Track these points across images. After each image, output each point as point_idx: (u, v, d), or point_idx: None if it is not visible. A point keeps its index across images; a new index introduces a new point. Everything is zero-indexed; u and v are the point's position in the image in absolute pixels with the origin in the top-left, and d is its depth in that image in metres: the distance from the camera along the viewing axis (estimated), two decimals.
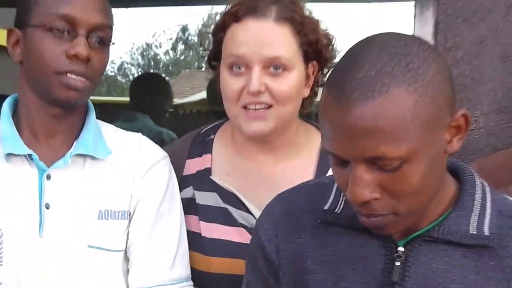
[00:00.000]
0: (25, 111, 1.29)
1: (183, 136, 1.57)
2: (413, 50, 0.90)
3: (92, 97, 1.32)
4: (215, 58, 1.44)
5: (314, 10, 1.42)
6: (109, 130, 1.36)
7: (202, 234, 1.41)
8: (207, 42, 1.51)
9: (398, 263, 1.00)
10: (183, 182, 1.44)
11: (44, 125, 1.28)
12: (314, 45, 1.38)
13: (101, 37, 1.24)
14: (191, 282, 1.35)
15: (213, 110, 3.04)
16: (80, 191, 1.26)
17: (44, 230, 1.23)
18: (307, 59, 1.38)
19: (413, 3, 2.12)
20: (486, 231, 0.99)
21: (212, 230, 1.41)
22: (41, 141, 1.28)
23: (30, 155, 1.24)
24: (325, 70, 1.46)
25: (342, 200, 1.06)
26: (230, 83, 1.35)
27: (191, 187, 1.45)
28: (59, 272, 1.23)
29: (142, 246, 1.29)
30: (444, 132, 0.93)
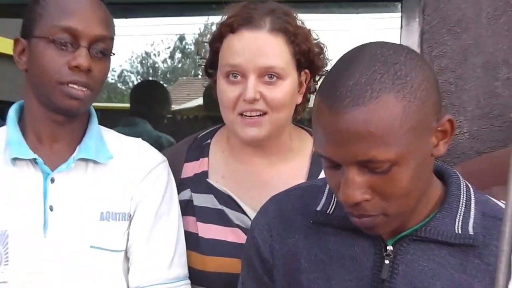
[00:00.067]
0: (30, 117, 1.29)
1: (181, 141, 1.57)
2: (401, 58, 0.91)
3: (93, 103, 1.32)
4: (212, 66, 1.44)
5: (306, 20, 1.43)
6: (110, 135, 1.36)
7: (199, 235, 1.41)
8: (203, 51, 1.51)
9: (387, 262, 1.00)
10: (181, 184, 1.44)
11: (48, 131, 1.28)
12: (306, 54, 1.38)
13: (102, 48, 1.24)
14: (188, 281, 1.35)
15: (209, 116, 3.04)
16: (83, 193, 1.26)
17: (48, 231, 1.23)
18: (299, 67, 1.39)
19: (399, 14, 2.13)
20: (470, 230, 0.99)
21: (208, 231, 1.41)
22: (45, 146, 1.28)
23: (35, 159, 1.24)
24: (317, 78, 1.46)
25: (333, 202, 1.07)
26: (227, 91, 1.35)
27: (189, 189, 1.45)
28: (62, 271, 1.23)
29: (142, 247, 1.29)
30: (431, 137, 0.94)
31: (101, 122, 1.36)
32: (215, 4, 2.10)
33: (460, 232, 0.99)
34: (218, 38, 1.38)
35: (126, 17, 2.67)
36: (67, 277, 1.23)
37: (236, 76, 1.34)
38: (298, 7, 1.48)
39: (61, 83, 1.20)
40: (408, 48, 0.96)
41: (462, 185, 1.04)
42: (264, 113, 1.34)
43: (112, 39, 1.27)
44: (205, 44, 1.48)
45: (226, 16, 1.38)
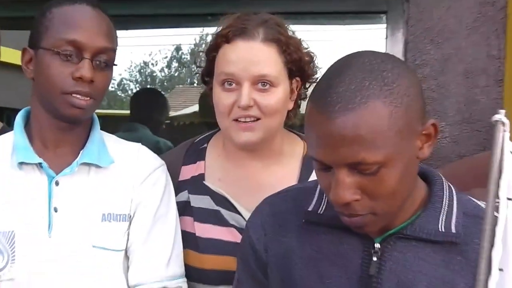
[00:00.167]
0: (36, 123, 1.28)
1: (178, 145, 1.57)
2: (388, 66, 0.91)
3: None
4: (208, 74, 1.44)
5: (295, 31, 1.43)
6: (111, 140, 1.36)
7: (197, 234, 1.40)
8: (199, 60, 1.52)
9: (375, 258, 1.00)
10: (179, 186, 1.44)
11: (53, 136, 1.28)
12: (297, 63, 1.38)
13: (105, 60, 1.23)
14: (185, 279, 1.34)
15: (205, 122, 3.04)
16: (85, 196, 1.26)
17: (52, 231, 1.23)
18: (291, 75, 1.39)
19: (385, 25, 2.14)
20: (453, 229, 0.99)
21: (205, 230, 1.41)
22: (50, 150, 1.28)
23: (40, 163, 1.24)
24: (307, 85, 1.46)
25: (324, 202, 1.07)
26: (222, 98, 1.35)
27: (186, 191, 1.44)
28: (66, 270, 1.22)
29: (141, 246, 1.29)
30: (416, 140, 0.94)
31: (101, 128, 1.36)
32: (210, 16, 2.11)
33: (443, 230, 0.99)
34: (214, 48, 1.38)
35: (127, 29, 2.67)
36: (70, 275, 1.23)
37: (231, 84, 1.34)
38: (289, 19, 1.48)
39: (65, 93, 1.20)
40: (394, 56, 0.97)
41: (445, 186, 1.04)
42: (258, 119, 1.34)
43: (115, 50, 1.27)
44: (201, 53, 1.49)
45: (221, 27, 1.38)
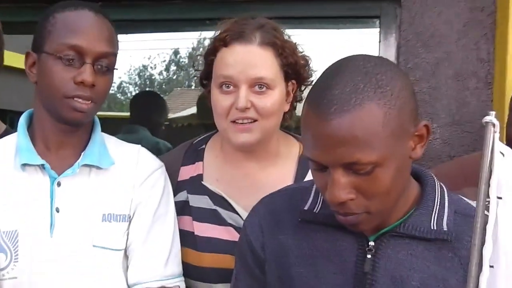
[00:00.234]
0: (39, 125, 1.28)
1: (177, 146, 1.57)
2: (381, 69, 0.92)
3: None
4: (206, 77, 1.44)
5: (291, 35, 1.43)
6: (111, 142, 1.36)
7: (195, 233, 1.40)
8: (197, 63, 1.52)
9: (369, 256, 1.00)
10: (178, 186, 1.44)
11: (55, 138, 1.27)
12: (293, 66, 1.38)
13: (106, 64, 1.23)
14: (182, 278, 1.34)
15: (203, 124, 3.04)
16: (86, 196, 1.26)
17: (54, 231, 1.23)
18: (287, 78, 1.39)
19: (378, 30, 2.14)
20: (445, 227, 1.00)
21: (204, 229, 1.40)
22: (52, 152, 1.27)
23: (42, 165, 1.24)
24: (303, 88, 1.46)
25: (320, 201, 1.07)
26: (220, 100, 1.35)
27: (185, 191, 1.44)
28: (67, 269, 1.22)
29: (140, 246, 1.29)
30: (409, 140, 0.94)
31: (102, 129, 1.35)
32: (208, 20, 2.11)
33: (435, 228, 1.00)
34: (212, 51, 1.38)
35: (126, 33, 2.67)
36: (71, 273, 1.22)
37: (228, 86, 1.34)
38: (285, 23, 1.48)
39: (67, 97, 1.20)
40: (388, 60, 0.98)
41: (436, 186, 1.04)
42: (255, 121, 1.34)
43: (116, 54, 1.27)
44: (199, 57, 1.49)
45: (219, 31, 1.38)
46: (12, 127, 1.56)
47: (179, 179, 1.46)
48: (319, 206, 1.06)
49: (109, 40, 1.24)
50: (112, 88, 1.32)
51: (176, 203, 1.40)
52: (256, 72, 1.32)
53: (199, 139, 1.53)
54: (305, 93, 1.46)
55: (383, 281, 0.99)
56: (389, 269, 0.99)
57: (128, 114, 3.35)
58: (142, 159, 1.35)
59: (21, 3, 2.36)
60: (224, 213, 1.40)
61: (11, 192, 1.24)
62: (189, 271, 1.37)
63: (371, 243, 1.01)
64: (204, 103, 1.47)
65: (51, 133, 1.27)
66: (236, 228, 1.37)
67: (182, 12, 2.36)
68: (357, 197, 0.93)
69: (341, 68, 0.93)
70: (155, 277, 1.28)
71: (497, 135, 0.80)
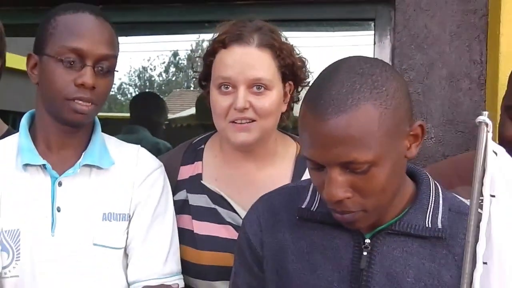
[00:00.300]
0: (40, 125, 1.28)
1: (177, 146, 1.57)
2: (377, 70, 0.92)
3: None
4: (205, 79, 1.44)
5: (288, 37, 1.43)
6: (111, 142, 1.35)
7: (194, 231, 1.40)
8: (196, 65, 1.51)
9: (365, 253, 1.00)
10: (178, 186, 1.44)
11: (57, 139, 1.27)
12: (290, 67, 1.38)
13: (107, 66, 1.23)
14: (181, 276, 1.34)
15: (201, 124, 3.04)
16: (87, 196, 1.26)
17: (55, 230, 1.23)
18: (284, 79, 1.39)
19: (373, 32, 2.15)
20: (439, 224, 1.00)
21: (203, 228, 1.40)
22: (53, 152, 1.27)
23: (44, 165, 1.23)
24: (299, 89, 1.46)
25: (317, 200, 1.07)
26: (219, 101, 1.35)
27: (185, 190, 1.44)
28: (68, 266, 1.22)
29: (139, 245, 1.29)
30: (404, 140, 0.95)
31: (102, 130, 1.35)
32: (207, 23, 2.11)
33: (429, 225, 1.00)
34: (211, 53, 1.38)
35: (127, 35, 2.67)
36: (72, 271, 1.22)
37: (227, 87, 1.34)
38: (282, 25, 1.48)
39: (68, 99, 1.20)
40: (383, 61, 0.98)
41: (431, 184, 1.05)
42: (253, 121, 1.34)
43: (116, 57, 1.26)
44: (198, 59, 1.48)
45: (218, 33, 1.38)
46: (14, 128, 1.56)
47: (179, 178, 1.45)
48: (317, 204, 1.07)
49: (109, 43, 1.23)
50: (112, 89, 1.32)
51: (175, 202, 1.40)
52: (254, 73, 1.32)
53: (198, 139, 1.53)
54: (301, 94, 1.46)
55: (379, 277, 0.99)
56: (384, 266, 0.99)
57: (128, 115, 3.35)
58: (142, 159, 1.34)
59: (22, 6, 2.36)
60: (223, 211, 1.40)
61: (12, 192, 1.23)
62: (189, 269, 1.37)
63: (367, 241, 1.01)
64: (203, 104, 1.47)
65: (52, 133, 1.27)
66: (235, 227, 1.37)
67: (181, 15, 2.36)
68: (354, 195, 0.93)
69: (337, 69, 0.93)
70: (154, 275, 1.28)
71: (490, 135, 0.80)
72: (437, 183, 1.06)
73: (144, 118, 3.09)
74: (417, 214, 1.01)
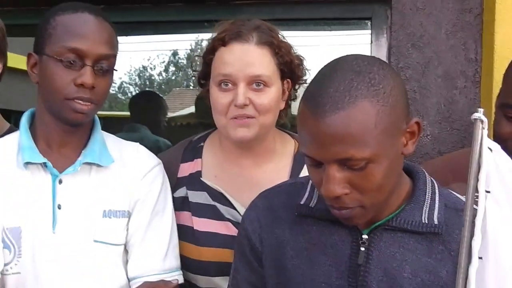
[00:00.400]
0: (40, 124, 1.28)
1: (177, 144, 1.57)
2: (374, 68, 0.92)
3: None
4: (204, 77, 1.43)
5: (286, 36, 1.43)
6: (111, 141, 1.35)
7: (194, 228, 1.40)
8: (195, 64, 1.51)
9: (362, 249, 1.00)
10: (178, 183, 1.44)
11: (57, 137, 1.27)
12: (288, 65, 1.38)
13: (106, 66, 1.22)
14: (180, 272, 1.34)
15: (200, 122, 3.04)
16: (87, 193, 1.26)
17: (56, 227, 1.23)
18: (283, 77, 1.39)
19: (369, 31, 2.15)
20: (435, 220, 1.00)
21: (202, 224, 1.40)
22: (54, 150, 1.27)
23: (44, 163, 1.23)
24: (297, 86, 1.46)
25: (315, 196, 1.07)
26: (219, 98, 1.35)
27: (185, 187, 1.44)
28: (69, 264, 1.22)
29: (139, 241, 1.29)
30: (401, 137, 0.95)
31: (103, 128, 1.35)
32: (207, 22, 2.10)
33: (426, 221, 1.00)
34: (211, 51, 1.38)
35: (127, 35, 2.66)
36: (73, 268, 1.22)
37: (227, 84, 1.34)
38: (279, 25, 1.48)
39: (68, 98, 1.20)
40: (380, 59, 0.98)
41: (427, 181, 1.05)
42: (253, 117, 1.34)
43: (115, 56, 1.26)
44: (197, 58, 1.48)
45: (217, 32, 1.38)
46: (16, 126, 1.55)
47: (179, 175, 1.45)
48: (315, 201, 1.06)
49: (109, 42, 1.23)
50: (112, 88, 1.32)
51: (175, 199, 1.40)
52: (254, 70, 1.32)
53: (197, 137, 1.53)
54: (299, 92, 1.46)
55: (376, 272, 0.99)
56: (381, 261, 0.99)
57: (128, 113, 3.35)
58: (141, 157, 1.35)
59: (23, 6, 2.35)
60: (222, 208, 1.40)
61: (13, 190, 1.23)
62: (189, 265, 1.37)
63: (365, 237, 1.01)
64: (202, 103, 1.46)
65: (53, 132, 1.26)
66: (234, 223, 1.37)
67: (180, 15, 2.35)
68: (351, 191, 0.93)
69: (335, 68, 0.93)
70: (154, 271, 1.28)
71: (485, 131, 0.80)
72: (433, 180, 1.06)
73: (144, 117, 3.09)
74: (413, 210, 1.01)
